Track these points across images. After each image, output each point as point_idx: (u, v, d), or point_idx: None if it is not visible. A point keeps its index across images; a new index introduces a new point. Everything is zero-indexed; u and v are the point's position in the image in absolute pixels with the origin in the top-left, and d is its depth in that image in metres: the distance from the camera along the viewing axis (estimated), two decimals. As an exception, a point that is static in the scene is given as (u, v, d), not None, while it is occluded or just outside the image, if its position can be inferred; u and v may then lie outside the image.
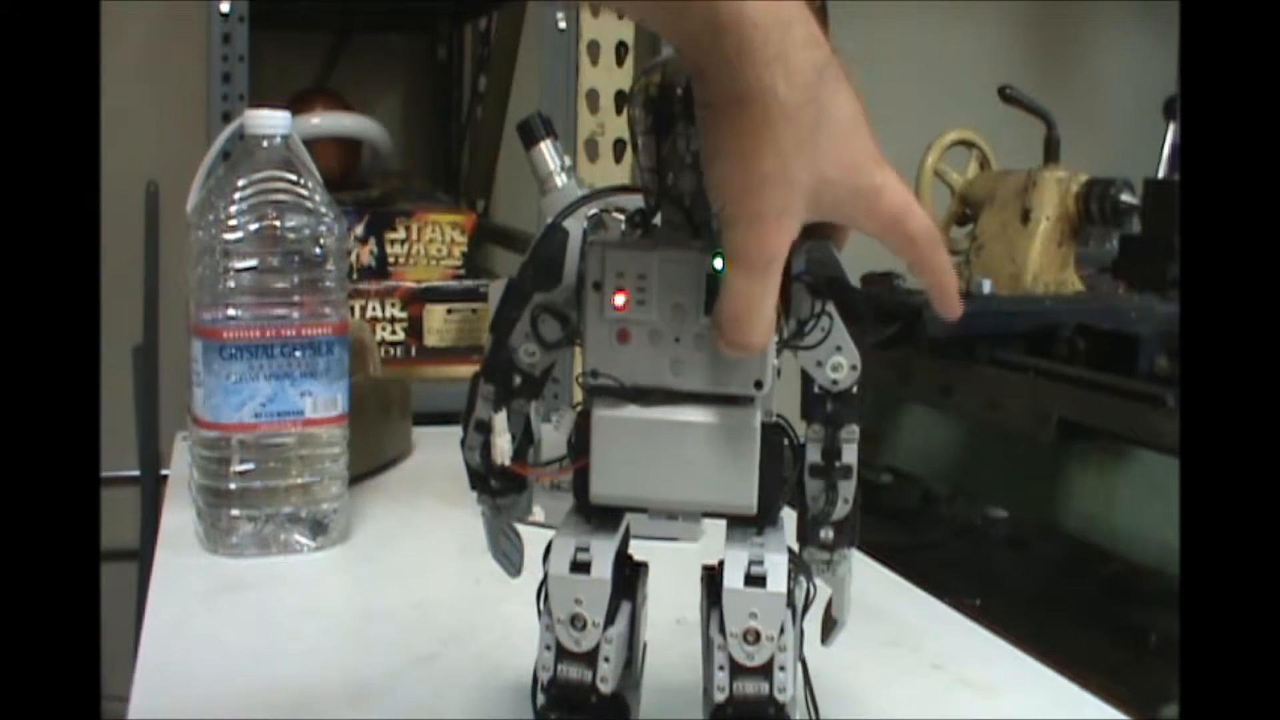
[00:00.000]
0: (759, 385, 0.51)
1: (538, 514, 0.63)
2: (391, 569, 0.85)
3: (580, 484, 0.53)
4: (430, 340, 1.43)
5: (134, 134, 1.74)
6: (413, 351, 1.43)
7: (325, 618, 0.76)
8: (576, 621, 0.51)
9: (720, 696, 0.51)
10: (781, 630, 0.50)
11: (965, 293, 1.67)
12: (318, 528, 0.87)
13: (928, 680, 0.70)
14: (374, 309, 1.41)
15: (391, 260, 1.44)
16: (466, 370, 0.59)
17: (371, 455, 1.04)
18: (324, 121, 1.66)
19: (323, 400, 0.86)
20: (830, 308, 0.52)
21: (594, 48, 1.81)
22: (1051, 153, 1.67)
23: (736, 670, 0.51)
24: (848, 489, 0.55)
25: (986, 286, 1.59)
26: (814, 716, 0.57)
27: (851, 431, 0.54)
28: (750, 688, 0.51)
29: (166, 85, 1.82)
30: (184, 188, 0.90)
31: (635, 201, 0.54)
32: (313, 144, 1.11)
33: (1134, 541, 1.28)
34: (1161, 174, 2.00)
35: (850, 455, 0.54)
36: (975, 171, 1.83)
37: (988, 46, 2.43)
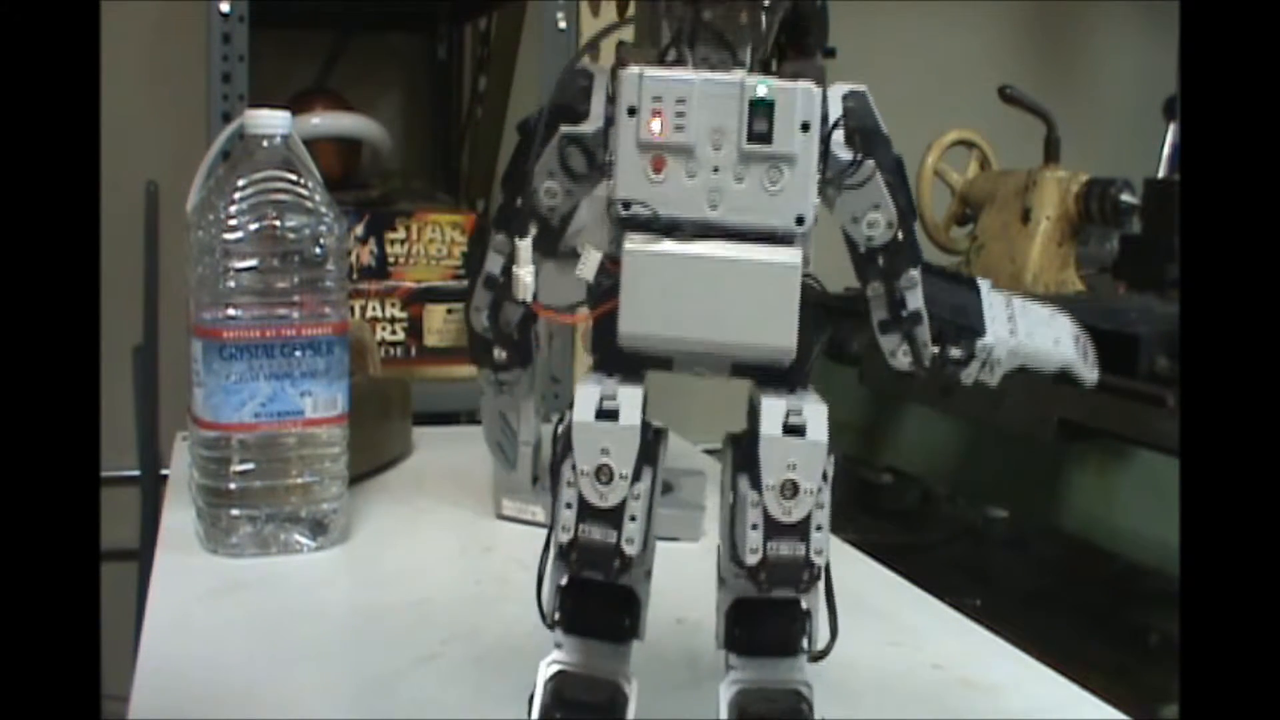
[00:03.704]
0: (800, 221, 0.48)
1: (538, 514, 0.62)
2: (391, 569, 0.85)
3: (601, 334, 0.50)
4: (430, 340, 1.43)
5: (134, 134, 1.74)
6: (413, 351, 1.43)
7: (325, 618, 0.76)
8: (602, 474, 0.48)
9: (753, 559, 0.48)
10: (819, 487, 0.47)
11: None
12: (318, 528, 0.87)
13: (928, 680, 0.70)
14: (374, 309, 1.42)
15: (391, 260, 1.45)
16: (466, 370, 0.58)
17: (371, 455, 1.04)
18: (324, 121, 1.66)
19: (323, 400, 0.86)
20: (870, 161, 0.50)
21: (594, 48, 1.81)
22: (1051, 153, 1.67)
23: (771, 529, 0.47)
24: (924, 333, 0.52)
25: (986, 286, 1.58)
26: (834, 624, 0.52)
27: (911, 278, 0.52)
28: (785, 549, 0.47)
29: (166, 85, 1.82)
30: (184, 188, 0.90)
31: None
32: (313, 144, 1.11)
33: (1134, 541, 1.28)
34: (1161, 174, 2.00)
35: (915, 300, 0.52)
36: (975, 171, 1.83)
37: (988, 46, 2.42)
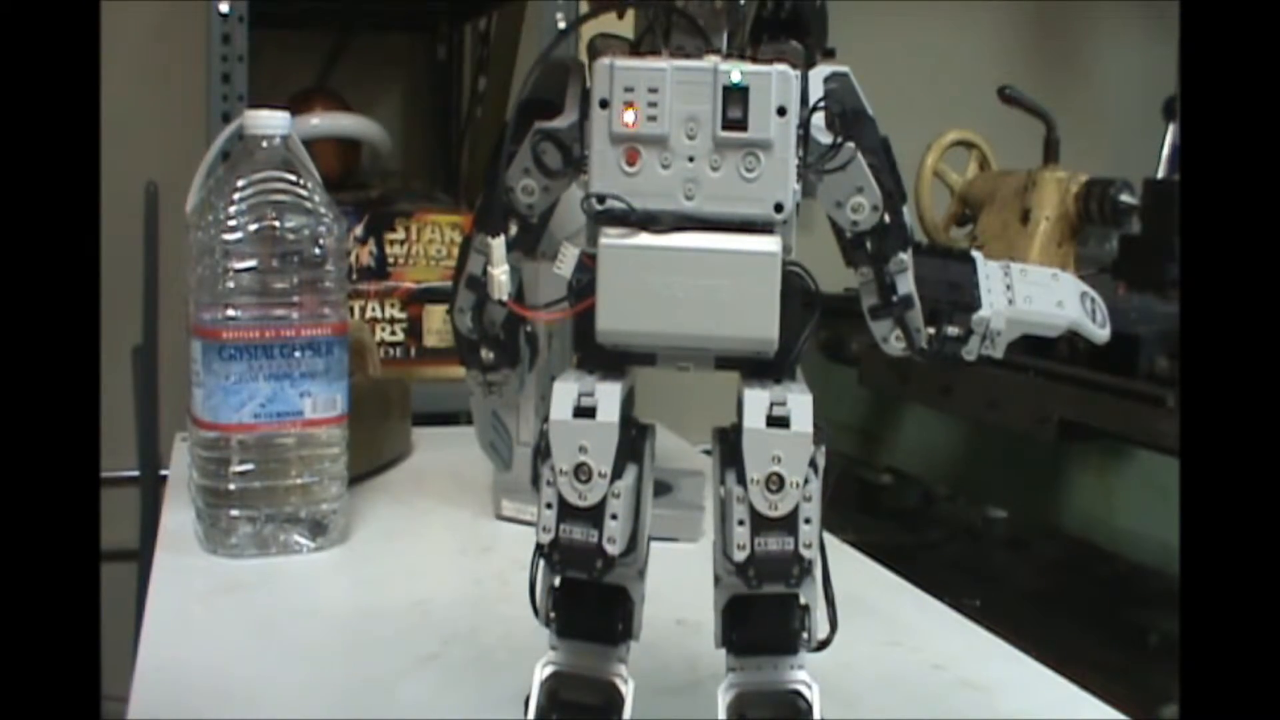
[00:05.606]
0: (779, 208, 0.47)
1: (534, 516, 0.63)
2: (391, 569, 0.85)
3: (581, 331, 0.49)
4: (430, 340, 1.43)
5: (134, 134, 1.74)
6: (412, 352, 1.43)
7: (325, 618, 0.76)
8: (581, 472, 0.47)
9: (741, 555, 0.47)
10: (807, 479, 0.47)
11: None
12: (318, 528, 0.87)
13: (928, 680, 0.70)
14: (374, 309, 1.42)
15: (391, 261, 1.45)
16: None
17: (371, 455, 1.04)
18: (324, 121, 1.66)
19: (322, 400, 0.86)
20: (851, 144, 0.49)
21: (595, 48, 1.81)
22: (1051, 153, 1.67)
23: (758, 524, 0.47)
24: (916, 318, 0.52)
25: (986, 286, 1.58)
26: (833, 617, 0.52)
27: (900, 262, 0.51)
28: (773, 543, 0.47)
29: (166, 85, 1.82)
30: (184, 188, 0.90)
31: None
32: (312, 144, 1.11)
33: (1134, 541, 1.28)
34: (1161, 174, 2.00)
35: (906, 285, 0.51)
36: (975, 171, 1.83)
37: (988, 46, 2.42)
